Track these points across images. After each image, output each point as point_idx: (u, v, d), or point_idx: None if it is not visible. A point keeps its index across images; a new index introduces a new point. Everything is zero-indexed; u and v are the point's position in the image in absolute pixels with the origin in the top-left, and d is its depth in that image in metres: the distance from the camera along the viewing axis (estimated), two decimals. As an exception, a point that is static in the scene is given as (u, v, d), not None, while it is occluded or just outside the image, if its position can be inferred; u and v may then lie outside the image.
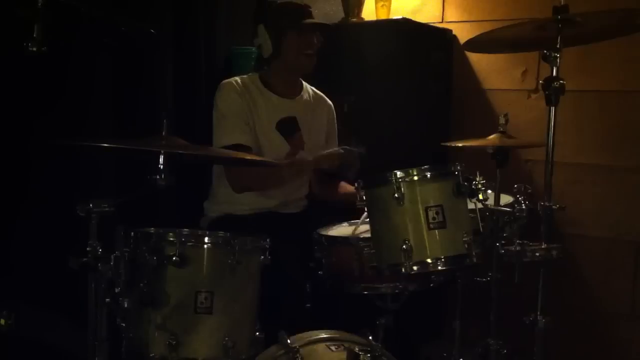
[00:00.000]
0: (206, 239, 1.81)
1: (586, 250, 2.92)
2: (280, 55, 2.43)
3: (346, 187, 2.62)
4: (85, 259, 1.58)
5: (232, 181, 2.38)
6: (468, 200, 1.83)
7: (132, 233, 1.77)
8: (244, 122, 2.38)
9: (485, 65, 3.12)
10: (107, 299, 1.62)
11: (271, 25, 2.41)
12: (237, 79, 2.46)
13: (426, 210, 1.77)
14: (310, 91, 2.62)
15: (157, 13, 2.53)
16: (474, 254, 1.79)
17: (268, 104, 2.46)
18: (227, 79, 2.48)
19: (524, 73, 2.99)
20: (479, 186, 1.80)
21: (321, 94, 2.65)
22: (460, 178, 1.80)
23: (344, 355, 1.75)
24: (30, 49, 1.47)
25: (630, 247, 2.85)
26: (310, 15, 2.45)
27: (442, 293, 2.92)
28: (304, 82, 2.60)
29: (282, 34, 2.40)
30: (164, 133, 1.69)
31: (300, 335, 1.84)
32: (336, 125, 2.68)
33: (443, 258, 1.78)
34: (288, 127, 2.48)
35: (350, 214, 2.26)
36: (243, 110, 2.39)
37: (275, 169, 2.36)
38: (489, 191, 1.85)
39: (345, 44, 2.97)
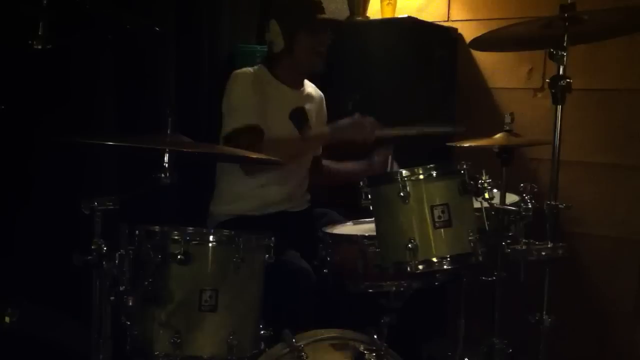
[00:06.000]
0: (211, 237, 1.80)
1: (591, 249, 2.91)
2: (292, 52, 2.42)
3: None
4: (89, 257, 1.58)
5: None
6: (474, 199, 1.83)
7: (137, 231, 1.76)
8: (255, 109, 2.37)
9: (491, 64, 3.10)
10: (112, 297, 1.62)
11: (284, 21, 2.39)
12: (250, 69, 2.47)
13: (432, 208, 1.76)
14: (309, 83, 2.63)
15: (160, 10, 2.52)
16: (479, 252, 1.78)
17: (279, 94, 2.47)
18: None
19: (530, 71, 2.98)
20: (485, 185, 1.79)
21: (314, 85, 2.66)
22: (466, 177, 1.79)
23: (348, 354, 1.75)
24: (35, 46, 1.47)
25: (636, 246, 2.84)
26: (322, 11, 2.45)
27: (446, 291, 2.92)
28: None
29: (295, 30, 2.39)
30: (168, 131, 1.69)
31: (304, 333, 1.84)
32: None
33: (449, 257, 1.77)
34: (300, 118, 2.50)
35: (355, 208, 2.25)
36: (256, 99, 2.39)
37: (291, 143, 2.37)
38: (495, 190, 1.85)
39: (350, 42, 2.96)
